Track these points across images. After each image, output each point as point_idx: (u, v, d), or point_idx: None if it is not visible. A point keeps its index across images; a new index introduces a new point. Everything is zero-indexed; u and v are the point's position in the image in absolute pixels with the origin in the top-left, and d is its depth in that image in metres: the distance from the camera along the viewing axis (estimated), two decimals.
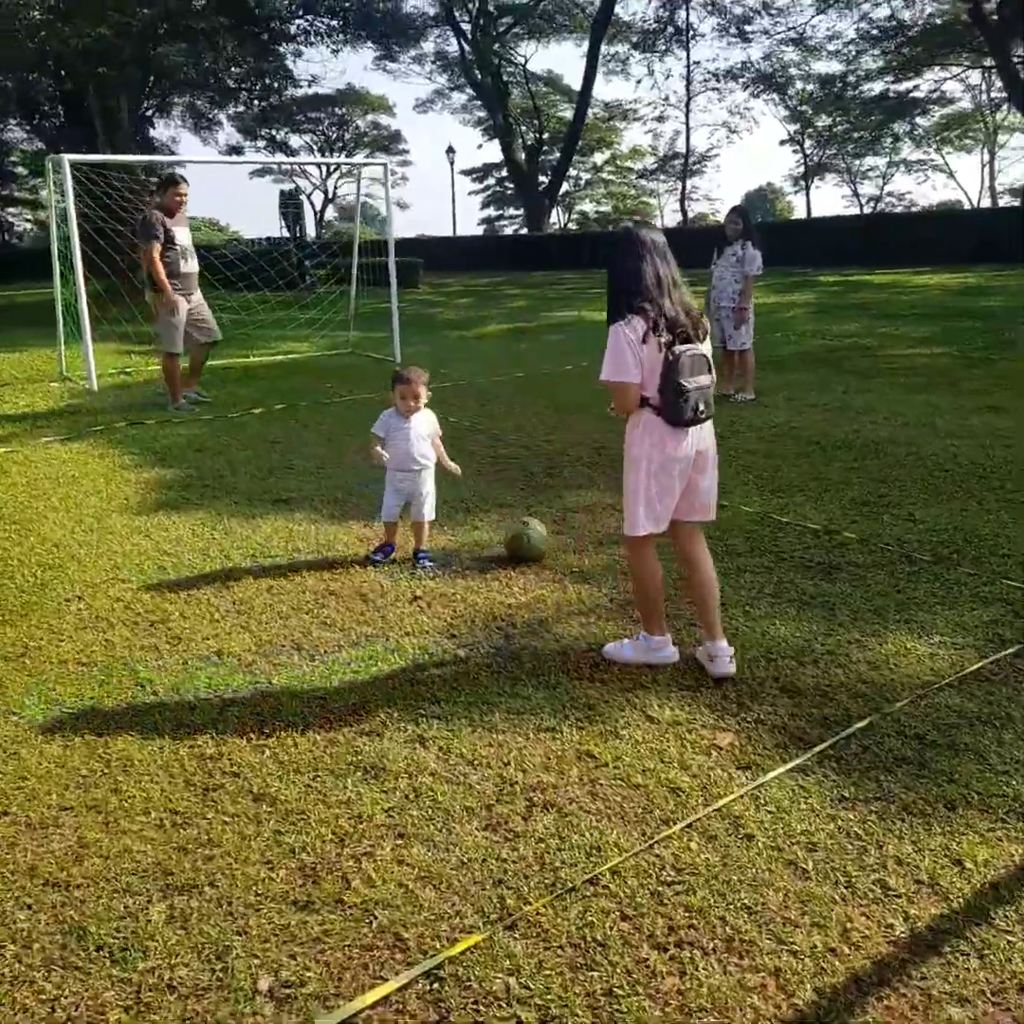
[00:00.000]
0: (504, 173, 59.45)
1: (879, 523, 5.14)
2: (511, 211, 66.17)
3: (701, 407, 3.42)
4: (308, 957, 2.27)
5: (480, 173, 65.14)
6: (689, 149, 45.21)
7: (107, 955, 2.29)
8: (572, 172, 49.84)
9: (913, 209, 57.42)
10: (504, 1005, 2.12)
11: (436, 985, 2.18)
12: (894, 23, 36.32)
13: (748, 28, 39.30)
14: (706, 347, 3.51)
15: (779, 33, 38.85)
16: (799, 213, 51.80)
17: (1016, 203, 52.21)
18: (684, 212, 46.97)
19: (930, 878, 2.44)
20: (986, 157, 60.00)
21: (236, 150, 44.50)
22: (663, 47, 41.67)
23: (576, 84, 43.13)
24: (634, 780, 2.95)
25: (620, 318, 3.43)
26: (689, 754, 3.08)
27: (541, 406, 8.71)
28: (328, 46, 31.69)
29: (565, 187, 49.96)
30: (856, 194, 60.05)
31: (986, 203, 57.70)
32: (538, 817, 2.79)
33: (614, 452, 6.86)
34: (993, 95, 49.58)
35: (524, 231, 52.42)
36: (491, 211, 68.13)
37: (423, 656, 3.84)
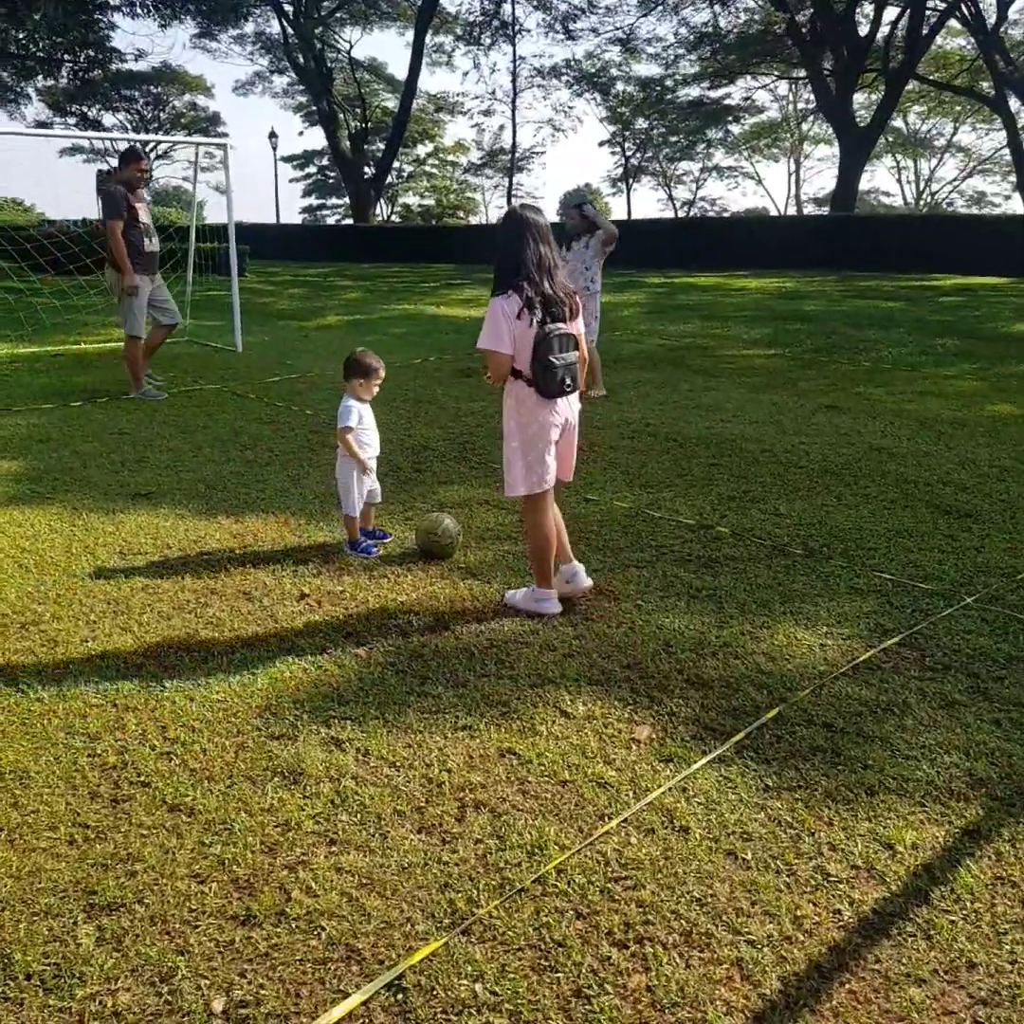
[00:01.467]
0: (327, 161, 58.38)
1: (748, 518, 5.33)
2: (334, 200, 65.08)
3: (568, 381, 3.79)
4: (260, 974, 2.12)
5: (302, 160, 63.67)
6: (515, 145, 45.66)
7: (39, 983, 2.07)
8: (395, 164, 49.45)
9: (725, 214, 60.34)
10: (474, 1012, 2.04)
11: (401, 996, 2.08)
12: (712, 29, 37.96)
13: (573, 26, 40.15)
14: (577, 326, 3.83)
15: (606, 32, 39.87)
16: (617, 214, 53.24)
17: (820, 211, 55.86)
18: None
19: (865, 863, 2.53)
20: (792, 166, 63.94)
21: (44, 126, 41.55)
22: (489, 40, 41.96)
23: (401, 73, 42.89)
24: (561, 776, 2.92)
25: (500, 293, 3.72)
26: (610, 748, 3.08)
27: (397, 400, 8.57)
28: (155, 19, 30.08)
29: (388, 178, 49.50)
30: (671, 198, 62.53)
31: (792, 210, 61.36)
32: (472, 818, 2.72)
33: (479, 447, 6.86)
34: (801, 106, 52.90)
35: (348, 221, 51.62)
36: (313, 200, 66.76)
37: (322, 656, 3.68)
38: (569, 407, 3.94)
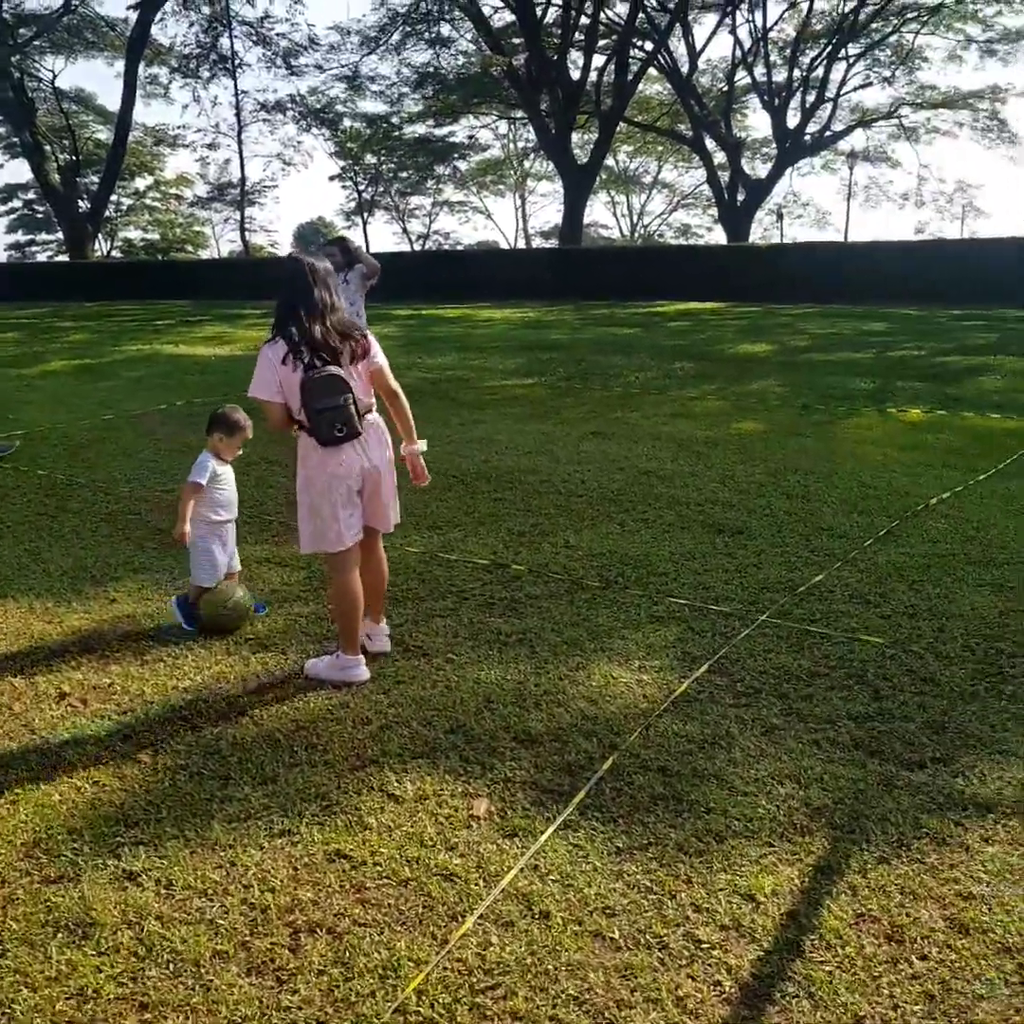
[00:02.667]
0: (33, 195, 54.44)
1: (541, 553, 5.26)
2: (45, 236, 60.71)
3: (339, 426, 3.53)
4: None
5: (4, 194, 59.02)
6: (244, 179, 44.45)
7: None
8: (113, 197, 46.81)
9: (459, 247, 61.78)
10: None
11: None
12: (433, 70, 38.76)
13: (296, 62, 39.70)
14: (366, 367, 3.69)
15: (331, 69, 39.68)
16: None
17: (547, 244, 58.47)
18: (245, 243, 46.13)
19: (733, 921, 2.43)
20: (519, 201, 66.52)
21: None
22: (208, 73, 40.62)
23: (112, 105, 40.67)
24: (402, 875, 2.64)
25: (270, 339, 3.61)
26: (449, 831, 2.83)
27: (147, 451, 7.88)
28: None
29: (106, 213, 46.75)
30: (406, 231, 63.19)
31: (521, 243, 63.73)
32: (309, 945, 2.38)
33: (250, 497, 6.39)
34: (522, 145, 55.17)
35: (63, 257, 48.22)
36: (21, 236, 61.92)
37: (96, 769, 3.18)
38: (364, 454, 3.70)
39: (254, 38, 39.34)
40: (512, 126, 50.16)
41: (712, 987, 2.21)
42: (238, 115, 41.62)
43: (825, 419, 8.68)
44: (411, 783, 3.08)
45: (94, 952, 2.35)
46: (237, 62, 40.13)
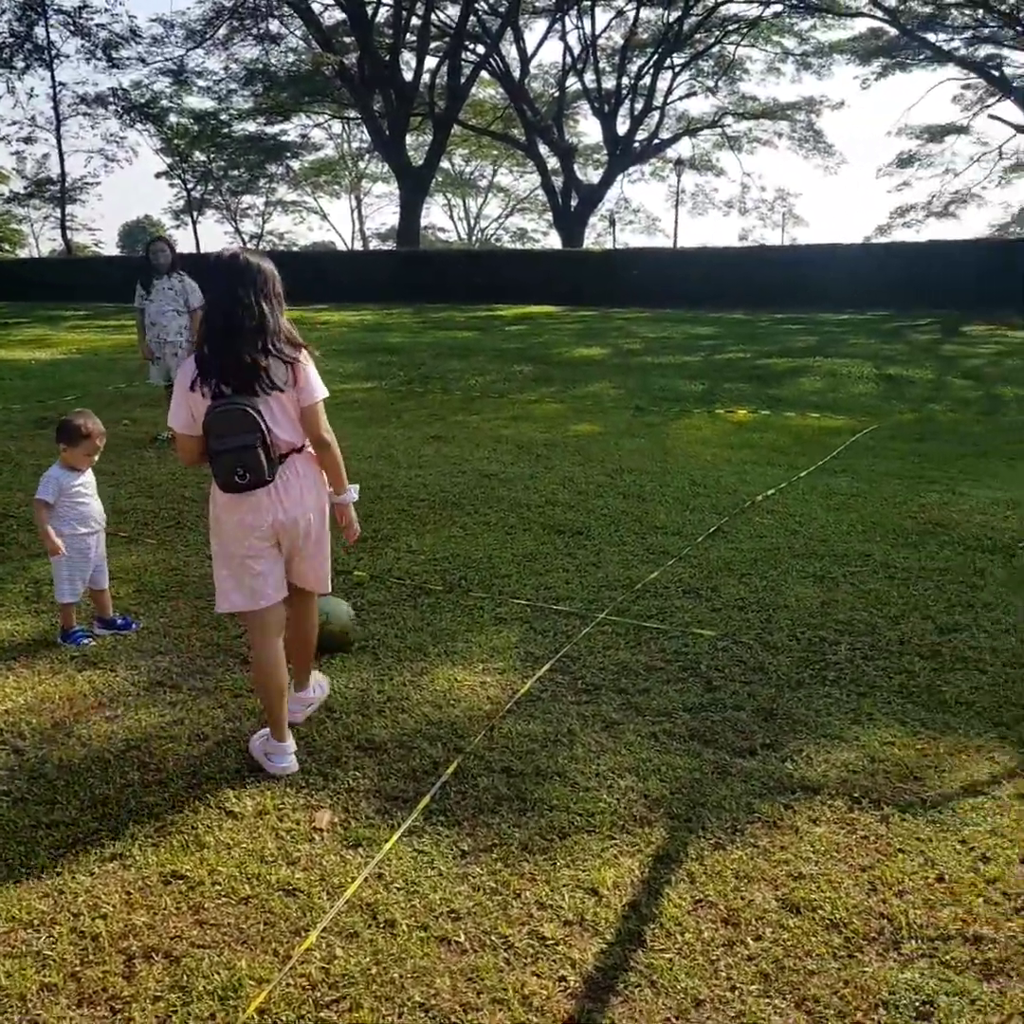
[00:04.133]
0: None
1: (384, 558, 5.22)
2: None
3: (239, 471, 2.92)
4: None
5: None
6: (64, 175, 42.06)
7: None
8: None
9: (294, 248, 60.46)
10: None
11: None
12: (262, 66, 37.75)
13: (117, 54, 37.88)
14: (291, 398, 3.00)
15: (156, 63, 37.98)
16: (184, 247, 50.93)
17: (384, 246, 58.07)
18: (66, 242, 43.67)
19: (576, 915, 2.47)
20: (354, 202, 65.82)
21: None
22: (22, 64, 38.22)
23: None
24: (242, 892, 2.56)
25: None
26: (290, 845, 2.77)
27: None
28: None
29: None
30: (238, 231, 61.36)
31: (358, 245, 63.02)
32: (144, 971, 2.28)
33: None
34: (356, 145, 54.57)
35: None
36: None
37: None
38: (281, 506, 3.03)
39: (72, 28, 37.30)
40: (346, 126, 49.62)
41: (557, 983, 2.25)
42: (56, 108, 39.36)
43: (658, 420, 8.99)
44: (250, 798, 2.99)
45: None
46: (54, 53, 37.96)
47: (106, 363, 13.60)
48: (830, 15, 32.61)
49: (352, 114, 40.17)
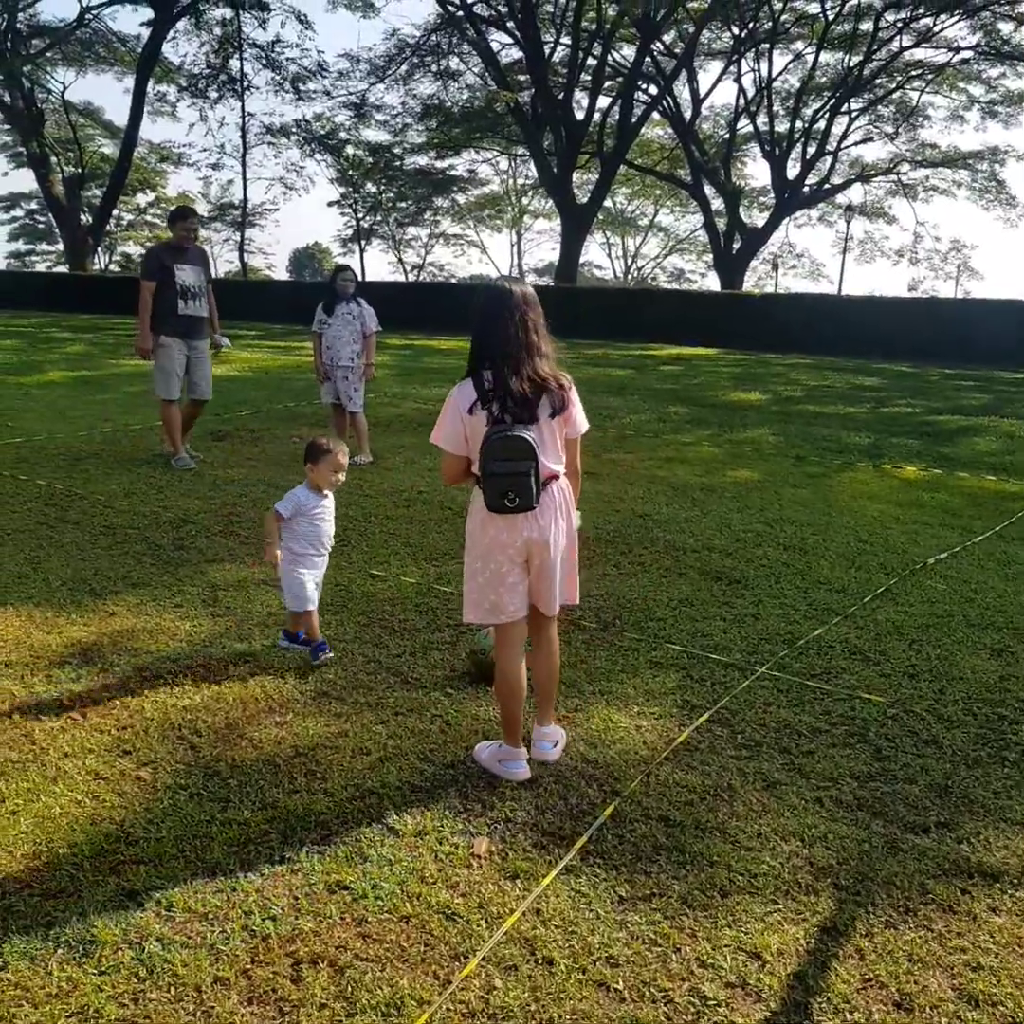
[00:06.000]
0: (36, 205, 54.61)
1: None
2: (45, 246, 60.89)
3: (511, 496, 3.02)
4: None
5: (8, 203, 59.30)
6: (246, 200, 44.63)
7: None
8: (114, 212, 46.86)
9: (452, 280, 62.07)
10: None
11: None
12: (438, 102, 39.13)
13: (303, 87, 39.97)
14: (560, 426, 3.15)
15: (338, 96, 39.92)
16: None
17: (541, 281, 58.93)
18: (243, 264, 46.21)
19: (739, 978, 2.41)
20: (514, 237, 67.18)
21: None
22: (216, 94, 40.73)
23: (119, 119, 40.80)
24: (403, 910, 2.61)
25: (461, 379, 3.15)
26: (450, 869, 2.80)
27: (144, 467, 7.84)
28: None
29: (107, 226, 46.79)
30: (401, 261, 63.54)
31: (497, 276, 63.95)
32: (311, 977, 2.34)
33: (246, 518, 6.37)
34: (521, 181, 55.75)
35: (62, 268, 48.22)
36: (21, 244, 62.10)
37: (97, 783, 3.13)
38: (536, 525, 3.15)
39: (263, 61, 39.54)
40: (512, 162, 50.80)
41: None
42: (243, 137, 41.73)
43: (819, 471, 8.75)
44: (411, 817, 3.05)
45: (95, 971, 2.31)
46: (246, 84, 40.31)
47: (276, 382, 14.24)
48: (1022, 63, 31.40)
49: (520, 150, 41.10)
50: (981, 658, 4.52)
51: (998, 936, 2.60)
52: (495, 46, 35.74)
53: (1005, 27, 30.98)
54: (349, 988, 2.31)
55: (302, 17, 37.83)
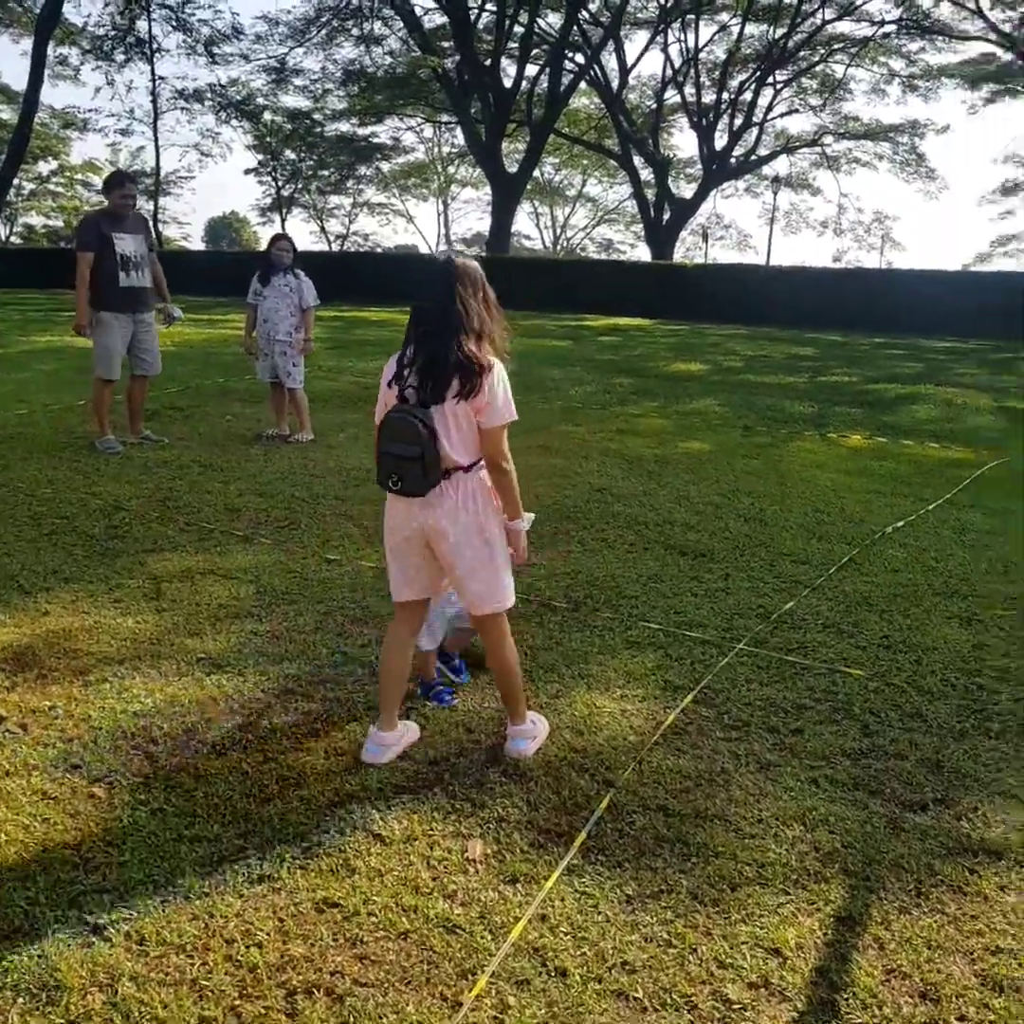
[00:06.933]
0: None
1: None
2: None
3: (394, 478, 2.93)
4: None
5: None
6: (159, 168, 43.04)
7: None
8: (14, 181, 44.76)
9: (378, 249, 61.00)
10: None
11: None
12: (359, 67, 38.11)
13: (218, 50, 38.52)
14: (465, 411, 2.90)
15: (257, 60, 38.59)
16: (264, 244, 51.38)
17: (470, 251, 58.37)
18: (158, 234, 44.64)
19: (761, 978, 2.29)
20: (441, 207, 66.23)
21: None
22: (123, 57, 38.89)
23: (17, 84, 38.85)
24: (400, 926, 2.43)
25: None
26: (445, 877, 2.63)
27: (66, 450, 7.43)
28: None
29: (6, 196, 44.68)
30: (324, 230, 62.15)
31: (443, 249, 63.12)
32: (307, 1009, 2.15)
33: (184, 503, 6.07)
34: (447, 150, 54.89)
35: None
36: None
37: (45, 804, 2.88)
38: (431, 514, 2.97)
39: (174, 23, 37.86)
40: (438, 130, 49.88)
41: None
42: (155, 102, 40.10)
43: (768, 441, 8.73)
44: (397, 822, 2.86)
45: (62, 1020, 2.09)
46: (155, 47, 38.69)
47: (202, 356, 13.75)
48: (941, 38, 31.83)
49: (446, 118, 40.41)
50: (952, 627, 4.50)
51: (1012, 916, 2.53)
52: (419, 11, 35.01)
53: (925, 2, 31.38)
54: (351, 1018, 2.13)
55: None
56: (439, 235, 65.98)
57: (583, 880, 2.63)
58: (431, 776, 3.12)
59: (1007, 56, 30.88)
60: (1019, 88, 32.46)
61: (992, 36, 30.29)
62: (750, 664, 4.04)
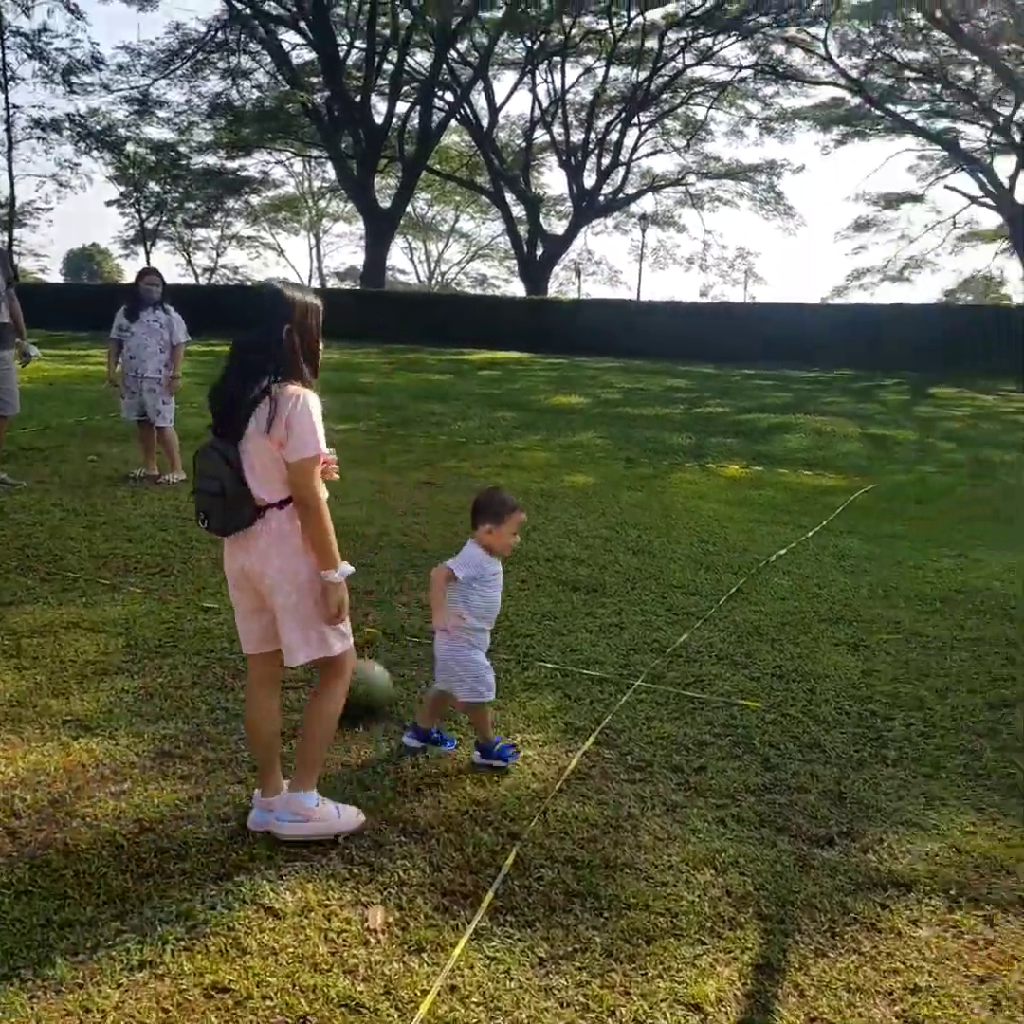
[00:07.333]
0: None
1: (395, 613, 4.92)
2: None
3: (202, 515, 2.81)
4: None
5: None
6: (13, 199, 41.21)
7: None
8: None
9: (248, 283, 59.90)
10: None
11: None
12: (225, 100, 37.42)
13: (77, 80, 37.24)
14: (265, 444, 2.72)
15: (120, 90, 37.46)
16: (128, 277, 49.61)
17: (344, 285, 58.04)
18: (13, 267, 42.70)
19: None
20: (313, 241, 65.60)
21: None
22: None
23: None
24: (298, 1009, 2.24)
25: None
26: (345, 950, 2.45)
27: None
28: None
29: None
30: (191, 263, 60.67)
31: (316, 284, 62.49)
32: None
33: (44, 551, 5.69)
34: (318, 184, 54.47)
35: None
36: None
37: None
38: (246, 555, 2.80)
39: (29, 51, 36.59)
40: (307, 164, 49.49)
41: None
42: (8, 131, 38.50)
43: (651, 473, 8.85)
44: (290, 893, 2.66)
45: None
46: (9, 74, 37.22)
47: (62, 393, 13.12)
48: (794, 82, 33.52)
49: (315, 153, 40.13)
50: (841, 654, 4.57)
51: (927, 952, 2.51)
52: (287, 46, 34.72)
53: (778, 49, 33.01)
54: None
55: (72, 6, 35.09)
56: (312, 269, 65.32)
57: (492, 944, 2.49)
58: (326, 841, 2.92)
59: (855, 100, 32.68)
60: (867, 130, 34.39)
61: (841, 81, 32.06)
62: (649, 701, 3.99)
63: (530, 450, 9.87)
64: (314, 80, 34.84)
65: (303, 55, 35.30)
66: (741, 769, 3.44)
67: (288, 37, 34.42)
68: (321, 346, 2.91)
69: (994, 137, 31.85)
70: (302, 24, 33.00)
